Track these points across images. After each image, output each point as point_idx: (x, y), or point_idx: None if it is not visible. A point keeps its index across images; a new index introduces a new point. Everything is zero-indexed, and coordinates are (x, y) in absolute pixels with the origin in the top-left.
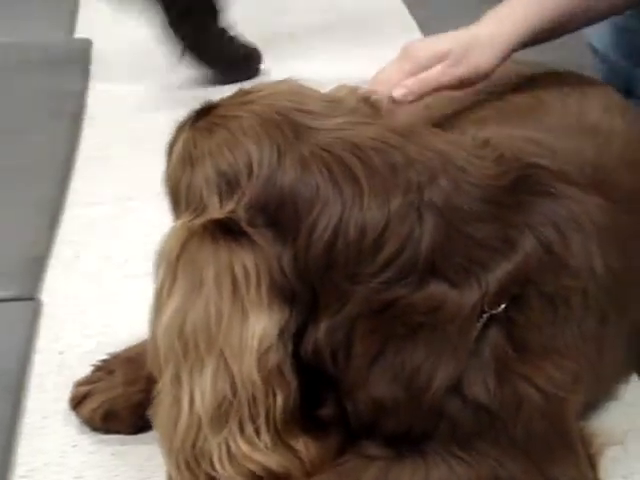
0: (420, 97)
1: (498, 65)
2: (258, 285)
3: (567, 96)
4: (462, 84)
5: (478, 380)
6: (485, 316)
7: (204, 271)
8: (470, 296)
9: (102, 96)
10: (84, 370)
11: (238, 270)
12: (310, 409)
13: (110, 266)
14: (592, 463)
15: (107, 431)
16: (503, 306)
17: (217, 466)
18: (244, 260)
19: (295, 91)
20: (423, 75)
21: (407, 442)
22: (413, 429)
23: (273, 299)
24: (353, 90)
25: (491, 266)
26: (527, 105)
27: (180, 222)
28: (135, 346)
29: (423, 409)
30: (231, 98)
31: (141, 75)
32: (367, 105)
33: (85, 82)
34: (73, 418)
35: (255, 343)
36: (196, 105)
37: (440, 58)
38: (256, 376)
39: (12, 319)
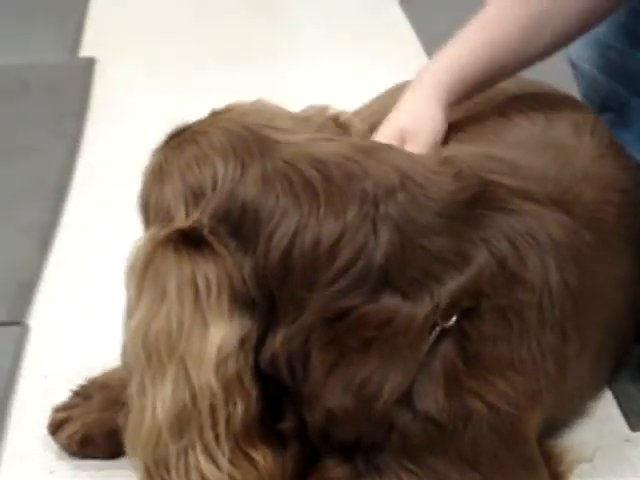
0: None
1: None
2: (219, 295)
3: (535, 113)
4: None
5: (428, 393)
6: (437, 329)
7: (167, 281)
8: (422, 309)
9: (103, 117)
10: (67, 394)
11: (200, 280)
12: (271, 422)
13: (99, 290)
14: None
15: (84, 456)
16: (454, 319)
17: (173, 475)
18: (206, 270)
19: (264, 109)
20: None
21: (361, 453)
22: (364, 439)
23: (234, 309)
24: (322, 109)
25: (444, 279)
26: (493, 123)
27: (148, 233)
28: (112, 371)
29: (373, 420)
30: (204, 118)
31: (145, 95)
32: (335, 124)
33: (85, 102)
34: (53, 443)
35: (214, 352)
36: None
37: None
38: (215, 384)
39: None
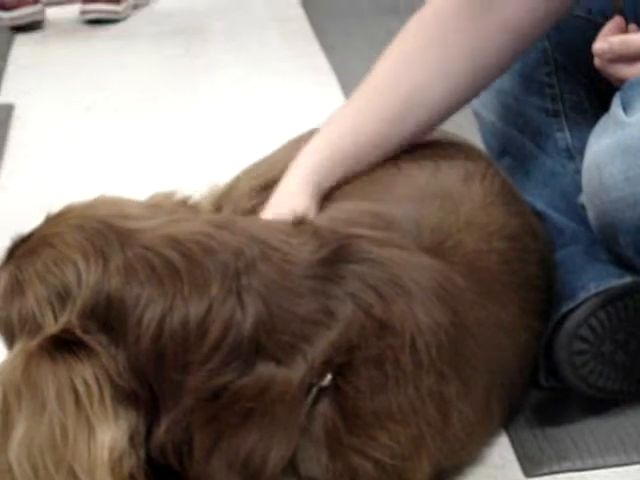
0: None
1: None
2: (101, 396)
3: (427, 161)
4: None
5: (312, 457)
6: (314, 390)
7: (45, 392)
8: (296, 372)
9: (18, 165)
10: None
11: (79, 385)
12: None
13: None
14: None
15: None
16: (329, 377)
17: None
18: (83, 373)
19: (111, 201)
20: None
21: None
22: None
23: (118, 406)
24: (168, 195)
25: (314, 339)
26: (386, 174)
27: (17, 348)
28: None
29: None
30: (45, 222)
31: (63, 143)
32: (184, 207)
33: (1, 149)
34: None
35: (105, 454)
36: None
37: None
38: None
39: None
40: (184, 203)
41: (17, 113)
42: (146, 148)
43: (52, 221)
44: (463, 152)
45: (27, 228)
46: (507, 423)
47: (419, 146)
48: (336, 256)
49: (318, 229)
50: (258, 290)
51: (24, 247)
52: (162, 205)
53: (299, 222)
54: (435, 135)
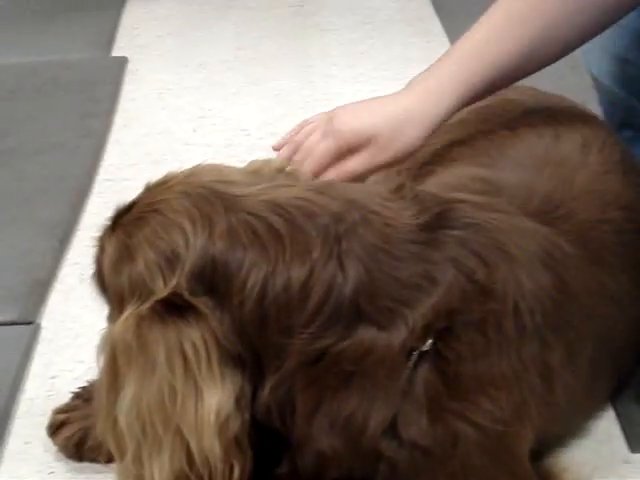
0: None
1: (424, 141)
2: (208, 359)
3: (545, 128)
4: (387, 167)
5: (412, 420)
6: (415, 354)
7: (155, 354)
8: (398, 336)
9: (131, 117)
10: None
11: (188, 348)
12: (267, 468)
13: None
14: None
15: (81, 459)
16: (430, 342)
17: None
18: (192, 337)
19: (213, 168)
20: (344, 168)
21: None
22: (355, 474)
23: (224, 369)
24: (267, 162)
25: (415, 304)
26: (502, 140)
27: (127, 313)
28: None
29: (361, 454)
30: (146, 191)
31: (174, 97)
32: (283, 174)
33: (114, 102)
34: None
35: (212, 417)
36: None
37: (365, 142)
38: (218, 449)
39: (8, 342)
40: (282, 170)
41: (130, 67)
42: (257, 106)
43: (155, 189)
44: (583, 120)
45: (139, 181)
46: (614, 398)
47: (539, 112)
48: (438, 221)
49: (419, 193)
50: (359, 254)
51: (130, 215)
52: (261, 171)
53: (399, 187)
54: (555, 101)
